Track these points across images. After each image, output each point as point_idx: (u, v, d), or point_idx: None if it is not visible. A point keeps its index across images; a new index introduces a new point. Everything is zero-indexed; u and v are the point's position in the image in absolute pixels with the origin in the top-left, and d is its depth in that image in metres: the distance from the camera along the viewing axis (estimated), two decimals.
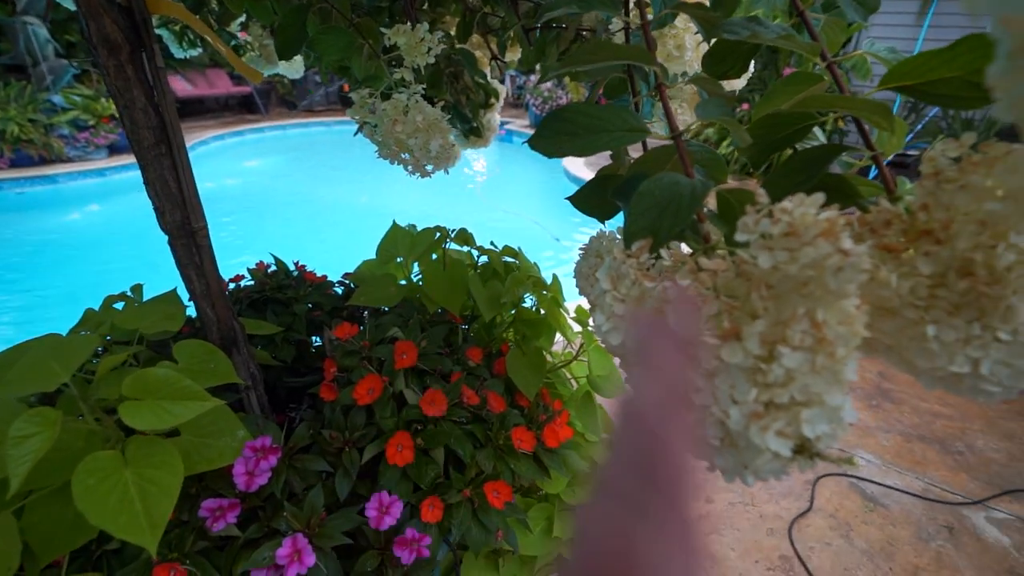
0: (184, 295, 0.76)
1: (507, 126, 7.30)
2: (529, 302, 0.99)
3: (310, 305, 1.00)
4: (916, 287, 0.26)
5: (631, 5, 0.49)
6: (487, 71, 0.98)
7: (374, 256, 1.07)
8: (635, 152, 0.44)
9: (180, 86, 7.03)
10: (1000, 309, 0.24)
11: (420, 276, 1.00)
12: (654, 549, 0.17)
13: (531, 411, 0.83)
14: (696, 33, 0.62)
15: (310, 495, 0.66)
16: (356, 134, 0.78)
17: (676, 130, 0.34)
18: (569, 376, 1.01)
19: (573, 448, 0.86)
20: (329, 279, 1.11)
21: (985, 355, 0.25)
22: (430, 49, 0.67)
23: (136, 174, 0.66)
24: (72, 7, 0.65)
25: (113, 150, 5.57)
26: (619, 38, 0.56)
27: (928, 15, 4.37)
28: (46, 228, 4.43)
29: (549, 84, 6.53)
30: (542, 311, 0.96)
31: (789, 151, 0.39)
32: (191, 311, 0.77)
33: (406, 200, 4.99)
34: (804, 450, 0.24)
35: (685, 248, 0.31)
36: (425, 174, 0.72)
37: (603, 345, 0.31)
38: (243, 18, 1.06)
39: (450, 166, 0.74)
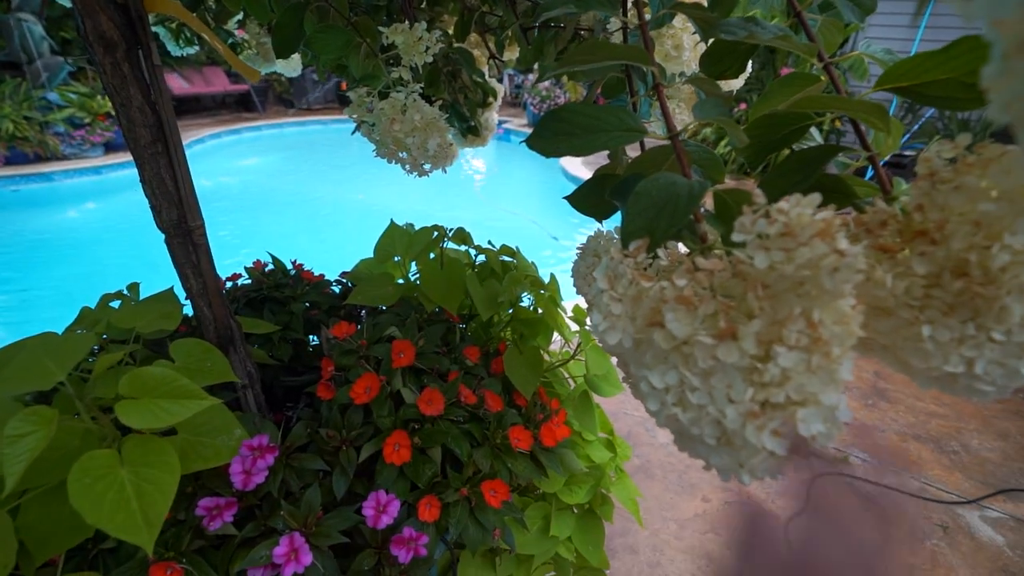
0: (181, 294, 0.76)
1: (505, 125, 7.30)
2: (527, 301, 0.99)
3: (307, 304, 0.99)
4: (911, 287, 0.27)
5: (629, 5, 0.49)
6: (485, 70, 0.98)
7: (372, 255, 1.06)
8: (633, 152, 0.44)
9: (177, 84, 7.01)
10: (994, 309, 0.25)
11: (418, 275, 1.00)
12: None
13: (528, 410, 0.84)
14: (694, 33, 0.63)
15: (307, 494, 0.66)
16: (354, 133, 0.78)
17: (673, 130, 0.34)
18: (566, 375, 1.01)
19: (570, 447, 0.86)
20: (326, 278, 1.11)
21: (979, 355, 0.26)
22: (428, 48, 0.67)
23: (132, 172, 0.66)
24: (68, 4, 0.65)
25: (109, 148, 5.55)
26: (617, 38, 0.56)
27: (924, 16, 4.38)
28: (41, 226, 4.41)
29: (547, 83, 6.53)
30: (540, 310, 0.96)
31: (786, 151, 0.39)
32: (188, 310, 0.77)
33: (404, 199, 4.99)
34: (799, 449, 0.24)
35: (682, 248, 0.31)
36: (423, 173, 0.72)
37: (600, 344, 0.31)
38: (240, 16, 1.06)
39: (448, 165, 0.74)
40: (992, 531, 1.54)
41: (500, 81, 1.03)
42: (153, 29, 0.77)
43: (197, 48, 1.20)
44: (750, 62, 0.46)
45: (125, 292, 0.88)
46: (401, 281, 1.00)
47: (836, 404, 0.24)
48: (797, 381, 0.23)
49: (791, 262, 0.22)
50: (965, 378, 0.27)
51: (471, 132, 0.94)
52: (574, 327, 0.99)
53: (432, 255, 0.99)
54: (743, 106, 4.45)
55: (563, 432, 0.82)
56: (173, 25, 1.13)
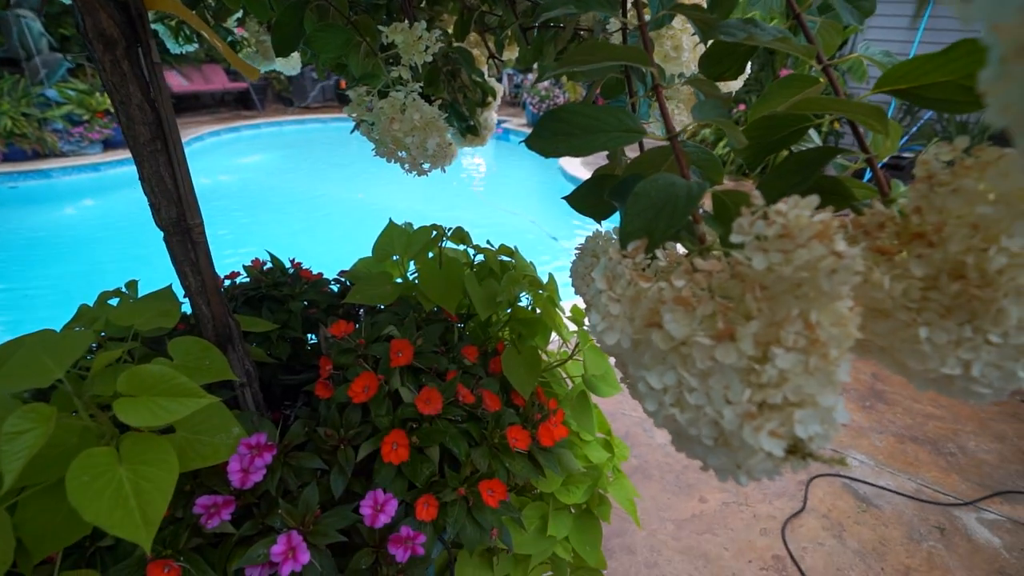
0: (179, 291, 0.76)
1: (504, 125, 7.31)
2: (525, 301, 1.00)
3: (306, 303, 0.99)
4: (909, 289, 0.27)
5: (629, 6, 0.49)
6: (484, 69, 0.98)
7: (370, 254, 1.06)
8: (632, 152, 0.44)
9: (176, 81, 7.00)
10: (991, 312, 0.25)
11: (416, 274, 1.00)
12: None
13: (526, 410, 0.84)
14: (693, 34, 0.63)
15: (305, 493, 0.66)
16: (353, 131, 0.78)
17: (672, 131, 0.34)
18: (564, 375, 1.01)
19: (568, 447, 0.86)
20: (325, 277, 1.11)
21: (976, 357, 0.26)
22: (428, 47, 0.67)
23: (131, 169, 0.66)
24: (67, 1, 0.65)
25: (107, 145, 5.54)
26: (616, 38, 0.56)
27: (923, 19, 4.39)
28: (39, 223, 4.41)
29: (546, 83, 6.54)
30: (538, 310, 0.96)
31: (785, 153, 0.39)
32: (186, 308, 0.77)
33: (402, 198, 4.99)
34: (797, 450, 0.24)
35: (680, 249, 0.31)
36: (422, 172, 0.72)
37: (598, 345, 0.31)
38: (240, 14, 1.05)
39: (447, 164, 0.74)
40: (989, 533, 1.54)
41: (499, 81, 1.03)
42: (153, 27, 0.77)
43: (196, 46, 1.20)
44: (749, 63, 0.46)
45: (123, 290, 0.88)
46: (399, 280, 1.00)
47: (833, 405, 0.24)
48: (795, 382, 0.23)
49: (789, 264, 0.22)
50: (962, 380, 0.27)
51: (470, 131, 0.94)
52: (572, 327, 0.99)
53: (431, 254, 0.99)
54: (742, 107, 4.45)
55: (561, 432, 0.82)
56: (172, 23, 1.13)
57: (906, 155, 4.21)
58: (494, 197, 5.29)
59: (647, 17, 0.41)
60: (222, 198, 4.90)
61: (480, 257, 1.04)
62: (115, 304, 0.83)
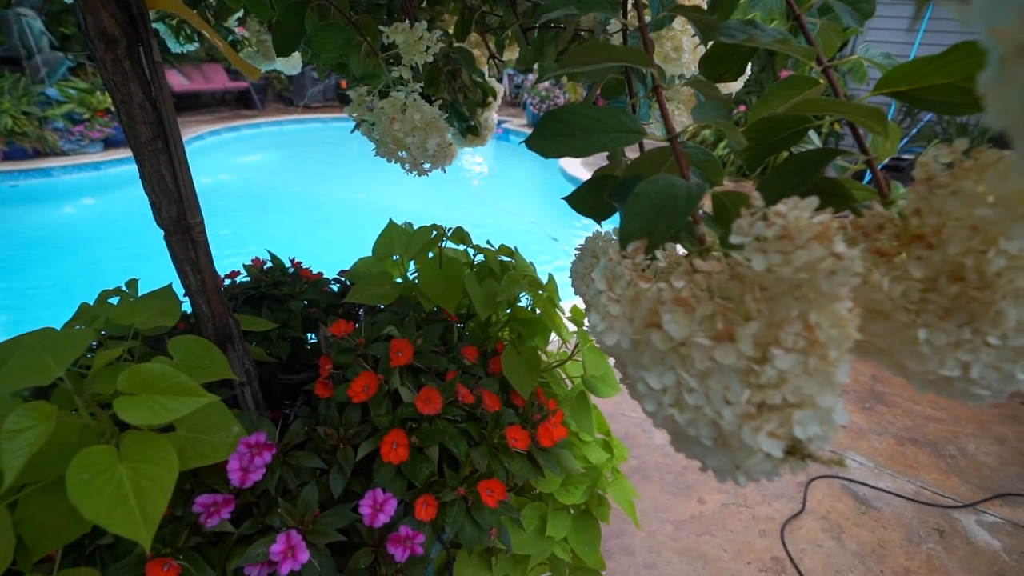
0: (179, 290, 0.76)
1: (504, 125, 7.31)
2: (525, 301, 1.00)
3: (306, 302, 0.99)
4: (908, 291, 0.27)
5: (629, 7, 0.49)
6: (485, 70, 0.98)
7: (370, 254, 1.07)
8: (632, 153, 0.44)
9: (176, 80, 7.00)
10: (990, 314, 0.25)
11: (416, 274, 1.00)
12: None
13: (526, 410, 0.84)
14: (693, 36, 0.63)
15: (304, 492, 0.66)
16: (353, 131, 0.78)
17: (672, 132, 0.34)
18: (564, 376, 1.01)
19: (567, 448, 0.86)
20: (325, 276, 1.11)
21: (975, 359, 0.26)
22: (428, 47, 0.67)
23: (131, 168, 0.66)
24: (69, 0, 0.65)
25: (108, 144, 5.54)
26: (617, 39, 0.56)
27: (923, 21, 4.39)
28: (40, 222, 4.41)
29: (547, 84, 6.54)
30: (537, 311, 0.96)
31: (784, 154, 0.39)
32: (186, 307, 0.77)
33: (403, 198, 4.99)
34: (795, 451, 0.24)
35: (680, 250, 0.31)
36: (422, 172, 0.72)
37: (598, 345, 0.31)
38: (240, 13, 1.06)
39: (447, 164, 0.74)
40: (989, 535, 1.54)
41: (500, 81, 1.03)
42: (153, 26, 0.77)
43: (197, 45, 1.20)
44: (749, 65, 0.46)
45: (124, 288, 0.88)
46: (399, 280, 1.00)
47: (832, 406, 0.24)
48: (794, 383, 0.23)
49: (788, 265, 0.22)
50: (961, 382, 0.27)
51: (470, 132, 0.94)
52: (572, 328, 0.99)
53: (431, 254, 0.99)
54: (742, 108, 4.46)
55: (560, 432, 0.82)
56: (173, 22, 1.13)
57: (906, 157, 4.21)
58: (494, 197, 5.30)
59: (647, 18, 0.41)
60: (222, 197, 4.90)
61: (480, 257, 1.05)
62: (115, 303, 0.83)
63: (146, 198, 0.67)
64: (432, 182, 0.86)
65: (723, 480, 0.27)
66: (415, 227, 1.06)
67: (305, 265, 1.13)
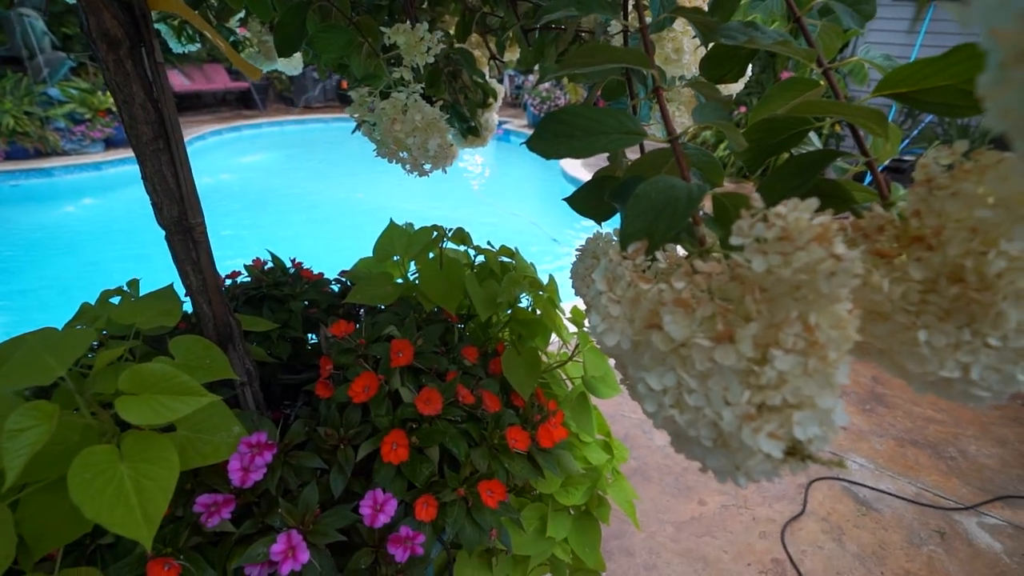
0: (180, 290, 0.76)
1: (505, 126, 7.31)
2: (525, 302, 1.00)
3: (306, 302, 1.00)
4: (908, 292, 0.27)
5: (630, 8, 0.49)
6: (486, 71, 0.98)
7: (371, 254, 1.07)
8: (632, 154, 0.44)
9: (177, 81, 7.01)
10: (990, 315, 0.25)
11: (417, 275, 1.00)
12: None
13: (526, 411, 0.84)
14: (694, 37, 0.63)
15: (305, 492, 0.66)
16: (354, 132, 0.78)
17: (673, 133, 0.34)
18: (564, 377, 1.01)
19: (567, 448, 0.86)
20: (326, 276, 1.11)
21: (975, 360, 0.26)
22: (429, 48, 0.67)
23: (132, 168, 0.66)
24: (71, 0, 0.65)
25: (109, 144, 5.55)
26: (618, 41, 0.56)
27: (924, 22, 4.39)
28: (41, 222, 4.41)
29: (547, 84, 6.54)
30: (538, 311, 0.96)
31: (785, 155, 0.39)
32: (187, 307, 0.77)
33: (403, 198, 4.99)
34: (795, 452, 0.24)
35: (681, 251, 0.31)
36: (423, 173, 0.72)
37: (598, 346, 0.31)
38: (242, 14, 1.06)
39: (448, 165, 0.74)
40: (990, 538, 1.54)
41: (500, 82, 1.03)
42: (155, 26, 0.77)
43: (199, 45, 1.20)
44: (750, 66, 0.46)
45: (125, 288, 0.88)
46: (400, 280, 1.01)
47: (832, 407, 0.24)
48: (793, 384, 0.23)
49: (788, 266, 0.22)
50: (961, 383, 0.27)
51: (471, 132, 0.94)
52: (572, 328, 0.99)
53: (431, 255, 0.99)
54: (743, 109, 4.46)
55: (560, 433, 0.82)
56: (175, 22, 1.13)
57: (906, 158, 4.20)
58: (495, 198, 5.30)
59: (648, 20, 0.42)
60: (224, 197, 4.91)
61: (481, 258, 1.05)
62: (117, 303, 0.83)
63: (147, 198, 0.67)
64: (433, 183, 0.86)
65: (723, 481, 0.27)
66: (416, 228, 1.06)
67: (306, 265, 1.13)
